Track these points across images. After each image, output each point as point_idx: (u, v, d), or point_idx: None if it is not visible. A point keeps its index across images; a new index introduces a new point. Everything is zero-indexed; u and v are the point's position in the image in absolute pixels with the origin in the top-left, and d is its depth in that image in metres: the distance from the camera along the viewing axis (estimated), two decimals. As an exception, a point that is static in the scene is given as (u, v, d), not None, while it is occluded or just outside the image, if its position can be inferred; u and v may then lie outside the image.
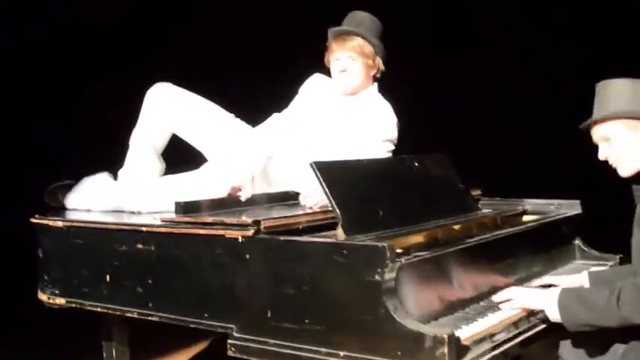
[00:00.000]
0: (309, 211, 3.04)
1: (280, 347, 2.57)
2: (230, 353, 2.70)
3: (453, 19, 6.80)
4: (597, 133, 2.78)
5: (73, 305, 3.34)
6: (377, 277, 2.36)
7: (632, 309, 2.49)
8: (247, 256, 2.68)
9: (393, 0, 5.46)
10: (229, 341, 2.70)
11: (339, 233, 2.61)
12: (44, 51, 5.99)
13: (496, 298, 2.75)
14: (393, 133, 3.46)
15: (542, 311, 2.67)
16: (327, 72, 3.61)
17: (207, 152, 3.75)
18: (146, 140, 3.73)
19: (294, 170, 3.45)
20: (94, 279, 3.22)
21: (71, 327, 4.18)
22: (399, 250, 2.51)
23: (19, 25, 5.98)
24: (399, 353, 2.31)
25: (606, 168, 2.83)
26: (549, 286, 2.97)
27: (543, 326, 2.70)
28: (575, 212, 3.53)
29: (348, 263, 2.43)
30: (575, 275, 3.11)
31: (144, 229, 3.05)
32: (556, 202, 3.60)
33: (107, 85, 5.94)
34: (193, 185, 3.54)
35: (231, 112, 3.77)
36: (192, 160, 3.76)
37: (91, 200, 3.68)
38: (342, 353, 2.43)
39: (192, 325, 2.88)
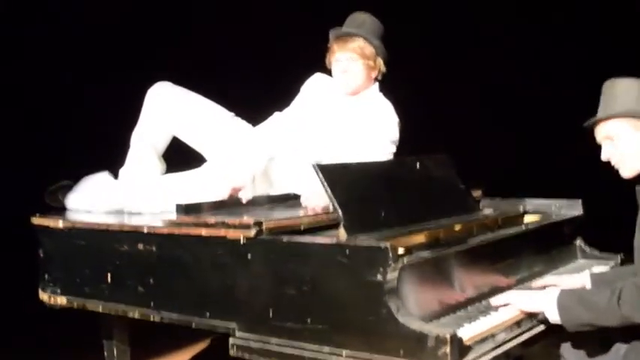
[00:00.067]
0: (310, 212, 3.03)
1: (282, 347, 2.57)
2: (232, 353, 2.70)
3: (453, 19, 6.80)
4: (601, 131, 2.76)
5: (75, 305, 3.34)
6: (379, 278, 2.36)
7: (632, 308, 2.49)
8: (249, 257, 2.68)
9: (394, 1, 5.46)
10: (231, 341, 2.70)
11: (341, 234, 2.61)
12: (44, 51, 5.99)
13: (494, 302, 2.73)
14: (395, 134, 3.46)
15: (541, 313, 2.66)
16: (327, 71, 3.61)
17: (208, 152, 3.75)
18: (147, 140, 3.73)
19: (295, 171, 3.45)
20: (95, 279, 3.22)
21: (71, 327, 4.18)
22: (400, 251, 2.50)
23: (19, 25, 5.98)
24: (402, 353, 2.31)
25: (607, 168, 2.83)
26: (550, 286, 2.97)
27: (544, 327, 2.70)
28: (576, 212, 3.53)
29: (350, 263, 2.43)
30: (577, 275, 3.11)
31: (145, 229, 3.04)
32: (557, 202, 3.60)
33: (107, 85, 5.95)
34: (194, 185, 3.54)
35: (231, 112, 3.77)
36: (193, 161, 3.75)
37: (92, 200, 3.68)
38: (344, 353, 2.43)
39: (193, 325, 2.88)
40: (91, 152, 4.97)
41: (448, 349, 2.23)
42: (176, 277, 2.93)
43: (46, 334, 4.91)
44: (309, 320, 2.51)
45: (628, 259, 3.03)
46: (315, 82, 3.65)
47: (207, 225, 2.85)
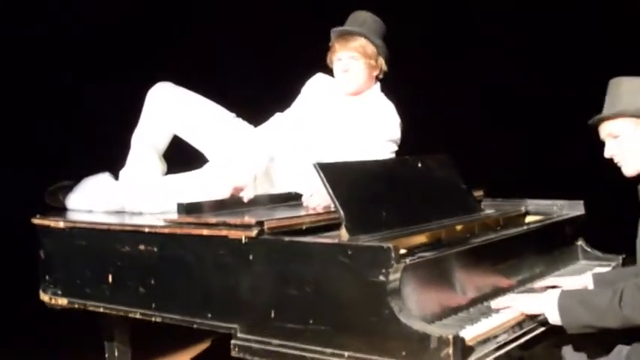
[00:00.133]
0: (312, 212, 3.03)
1: (284, 348, 2.56)
2: (234, 353, 2.69)
3: (453, 19, 6.80)
4: (606, 129, 2.77)
5: (76, 306, 3.33)
6: (381, 278, 2.35)
7: (633, 310, 2.49)
8: (251, 257, 2.67)
9: (394, 1, 5.45)
10: (233, 341, 2.69)
11: (343, 234, 2.61)
12: (44, 51, 5.98)
13: (495, 305, 2.72)
14: (397, 134, 3.46)
15: (542, 314, 2.66)
16: (327, 71, 3.61)
17: (209, 152, 3.74)
18: (147, 140, 3.72)
19: (296, 171, 3.45)
20: (96, 280, 3.21)
21: (72, 327, 4.18)
22: (402, 251, 2.50)
23: (19, 25, 5.97)
24: (404, 354, 2.30)
25: (609, 168, 2.83)
26: (552, 287, 2.97)
27: (546, 328, 2.69)
28: (578, 213, 3.53)
29: (352, 264, 2.42)
30: (579, 276, 3.11)
31: (146, 229, 3.04)
32: (559, 202, 3.60)
33: (107, 85, 5.94)
34: (195, 185, 3.53)
35: (231, 112, 3.77)
36: (194, 161, 3.75)
37: (93, 201, 3.67)
38: (346, 354, 2.42)
39: (195, 326, 2.87)
40: (91, 152, 4.97)
41: (451, 350, 2.23)
42: (177, 277, 2.92)
43: (46, 334, 4.90)
44: (310, 321, 2.51)
45: (629, 261, 3.03)
46: (316, 82, 3.64)
47: (208, 225, 2.84)
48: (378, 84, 3.56)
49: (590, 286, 2.96)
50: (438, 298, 2.59)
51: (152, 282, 3.00)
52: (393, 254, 2.35)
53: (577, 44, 6.66)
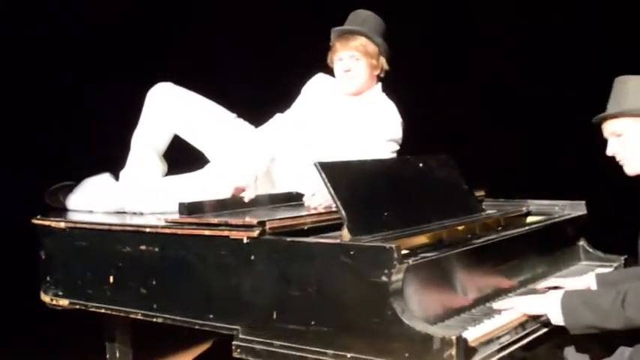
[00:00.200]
0: (313, 212, 3.02)
1: (286, 349, 2.55)
2: (235, 355, 2.68)
3: (453, 19, 6.80)
4: (609, 128, 2.76)
5: (77, 307, 3.32)
6: (384, 279, 2.34)
7: (637, 311, 2.48)
8: (252, 257, 2.67)
9: (394, 0, 5.45)
10: (234, 342, 2.68)
11: (345, 234, 2.60)
12: (44, 51, 5.98)
13: (497, 307, 2.71)
14: (398, 133, 3.45)
15: (545, 315, 2.65)
16: (328, 71, 3.60)
17: (210, 152, 3.74)
18: (148, 140, 3.71)
19: (297, 171, 3.44)
20: (97, 280, 3.20)
21: (72, 327, 4.17)
22: (404, 251, 2.49)
23: (19, 25, 5.97)
24: (407, 355, 2.29)
25: (611, 168, 2.83)
26: (555, 288, 2.96)
27: (548, 329, 2.68)
28: (580, 213, 3.52)
29: (354, 264, 2.42)
30: (581, 277, 3.11)
31: (147, 230, 3.03)
32: (560, 202, 3.59)
33: (107, 85, 5.93)
34: (196, 186, 3.52)
35: (231, 112, 3.76)
36: (195, 161, 3.74)
37: (93, 201, 3.67)
38: (348, 355, 2.41)
39: (197, 327, 2.86)
40: (91, 152, 4.97)
41: (454, 351, 2.22)
42: (179, 278, 2.91)
43: (46, 334, 4.89)
44: (312, 322, 2.50)
45: (631, 261, 3.03)
46: (316, 82, 3.64)
47: (210, 225, 2.83)
48: (380, 84, 3.55)
49: (593, 287, 2.96)
50: (441, 299, 2.58)
51: (153, 282, 3.00)
52: (395, 254, 2.34)
53: (577, 44, 6.67)
